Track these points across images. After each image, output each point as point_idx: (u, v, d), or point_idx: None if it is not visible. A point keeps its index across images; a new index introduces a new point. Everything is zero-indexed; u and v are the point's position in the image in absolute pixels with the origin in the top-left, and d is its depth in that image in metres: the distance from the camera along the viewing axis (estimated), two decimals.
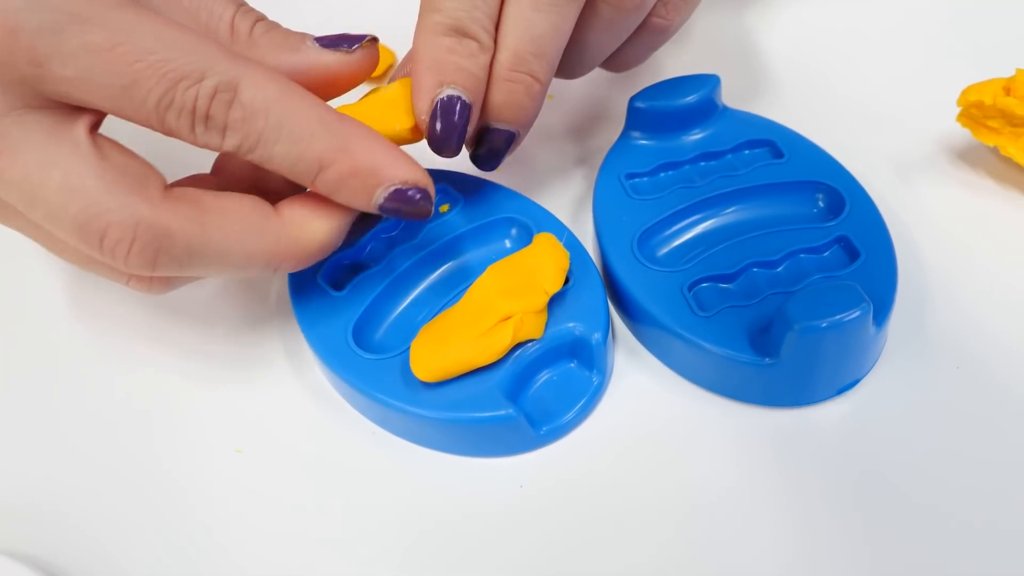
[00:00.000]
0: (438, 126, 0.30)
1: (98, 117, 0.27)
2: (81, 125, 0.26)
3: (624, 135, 0.36)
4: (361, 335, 0.32)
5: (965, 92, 0.35)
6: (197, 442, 0.32)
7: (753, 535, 0.28)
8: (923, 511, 0.28)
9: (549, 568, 0.28)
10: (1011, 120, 0.34)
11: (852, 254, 0.32)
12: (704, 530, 0.29)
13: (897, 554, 0.28)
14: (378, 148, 0.28)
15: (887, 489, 0.29)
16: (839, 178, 0.34)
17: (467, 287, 0.32)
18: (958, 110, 0.36)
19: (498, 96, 0.31)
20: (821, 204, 0.34)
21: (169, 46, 0.26)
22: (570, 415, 0.31)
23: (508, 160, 0.38)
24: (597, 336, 0.31)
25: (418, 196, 0.29)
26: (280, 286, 0.35)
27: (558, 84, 0.41)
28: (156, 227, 0.26)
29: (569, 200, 0.38)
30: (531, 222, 0.34)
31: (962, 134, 0.37)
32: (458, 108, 0.30)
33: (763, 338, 0.29)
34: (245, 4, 0.30)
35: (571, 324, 0.31)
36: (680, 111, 0.35)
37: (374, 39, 0.30)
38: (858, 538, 0.28)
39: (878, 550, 0.28)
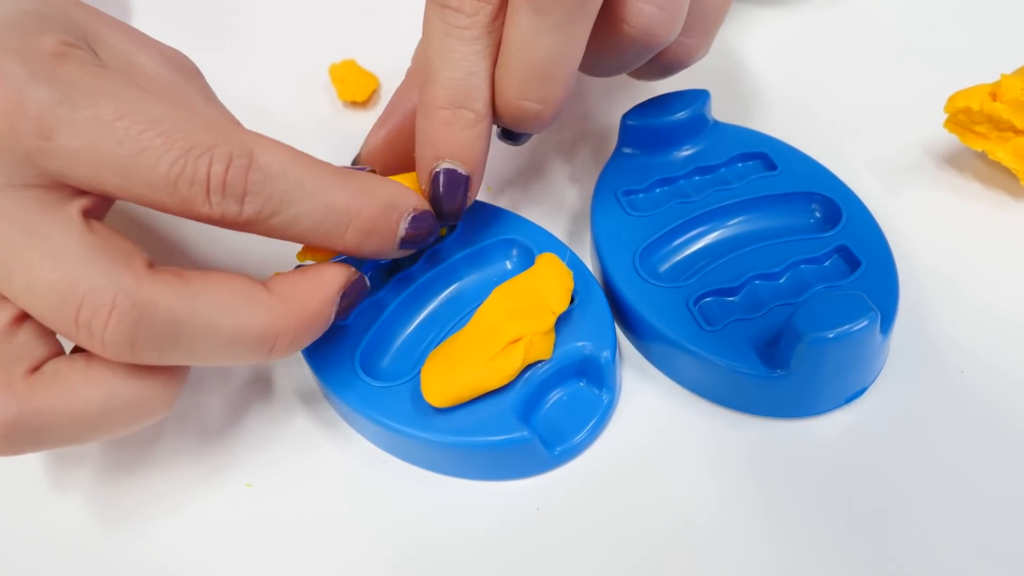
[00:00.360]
0: (439, 197, 0.31)
1: (97, 203, 0.27)
2: (76, 205, 0.26)
3: (617, 152, 0.36)
4: (368, 363, 0.31)
5: (952, 99, 0.35)
6: (206, 478, 0.32)
7: (772, 545, 0.29)
8: (937, 516, 0.29)
9: None
10: (998, 125, 0.35)
11: (852, 263, 0.32)
12: (723, 542, 0.29)
13: (915, 561, 0.28)
14: (388, 184, 0.29)
15: (900, 496, 0.29)
16: (833, 188, 0.34)
17: (472, 310, 0.32)
18: (944, 116, 0.36)
19: (508, 120, 0.31)
20: (817, 215, 0.34)
21: (179, 116, 0.26)
22: (582, 435, 0.31)
23: (502, 175, 0.38)
24: (606, 354, 0.31)
25: (429, 217, 0.30)
26: None
27: None
28: (137, 297, 0.25)
29: (565, 218, 0.38)
30: (531, 243, 0.34)
31: (948, 140, 0.38)
32: (454, 180, 0.31)
33: (772, 350, 0.29)
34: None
35: (579, 343, 0.31)
36: (672, 127, 0.35)
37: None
38: (877, 546, 0.28)
39: (896, 558, 0.28)
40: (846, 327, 0.28)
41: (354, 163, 0.35)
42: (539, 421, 0.31)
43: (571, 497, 0.30)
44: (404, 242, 0.30)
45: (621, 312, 0.33)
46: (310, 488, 0.31)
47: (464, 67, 0.30)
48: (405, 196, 0.29)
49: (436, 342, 0.32)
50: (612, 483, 0.30)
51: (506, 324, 0.30)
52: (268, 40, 0.46)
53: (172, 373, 0.28)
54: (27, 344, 0.26)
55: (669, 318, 0.31)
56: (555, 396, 0.31)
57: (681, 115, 0.35)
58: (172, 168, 0.25)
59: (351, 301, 0.30)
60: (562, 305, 0.30)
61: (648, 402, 0.32)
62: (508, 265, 0.34)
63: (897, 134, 0.39)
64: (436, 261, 0.33)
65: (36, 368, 0.26)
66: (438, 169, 0.30)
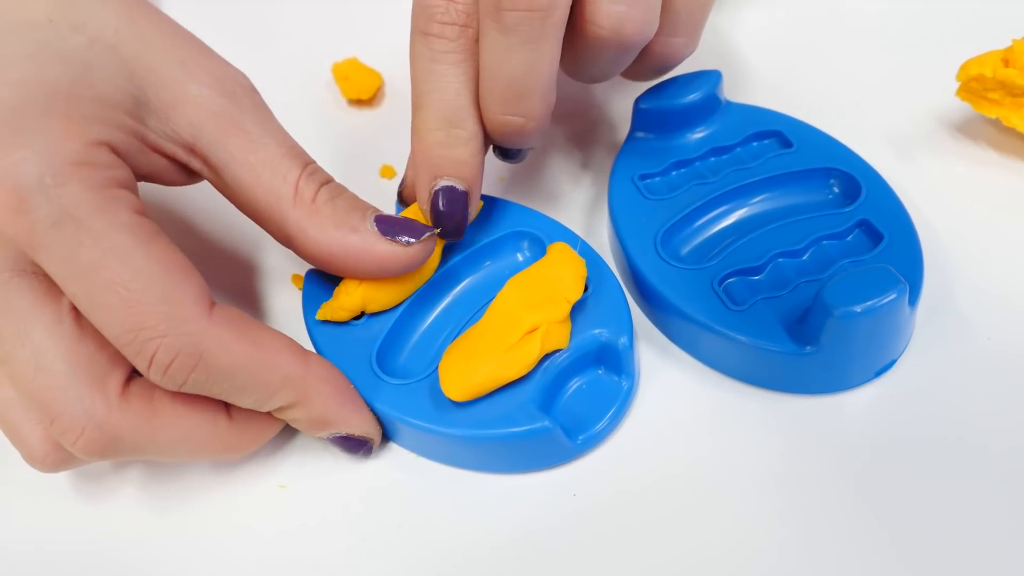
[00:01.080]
0: (439, 215, 0.31)
1: None
2: (66, 302, 0.27)
3: (631, 137, 0.36)
4: (385, 361, 0.31)
5: (964, 66, 0.35)
6: (239, 479, 0.32)
7: (809, 520, 0.29)
8: (971, 483, 0.29)
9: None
10: (1012, 91, 0.35)
11: (875, 237, 0.32)
12: (759, 520, 0.29)
13: (952, 534, 0.28)
14: (334, 403, 0.29)
15: (933, 467, 0.29)
16: (850, 162, 0.34)
17: (485, 303, 0.32)
18: (955, 85, 0.36)
19: (496, 136, 0.32)
20: (836, 190, 0.34)
21: (146, 287, 0.26)
22: (603, 423, 0.31)
23: (515, 167, 0.38)
24: (623, 340, 0.31)
25: (361, 443, 0.31)
26: (296, 319, 0.35)
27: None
28: (105, 428, 0.27)
29: (581, 206, 0.38)
30: (542, 234, 0.34)
31: (960, 108, 0.38)
32: (453, 197, 0.31)
33: (801, 327, 0.29)
34: (312, 163, 0.31)
35: (596, 331, 0.31)
36: (685, 109, 0.35)
37: (434, 234, 0.31)
38: (916, 516, 0.28)
39: (933, 530, 0.28)
40: (875, 300, 0.28)
41: (400, 193, 0.35)
42: (559, 411, 0.31)
43: (600, 484, 0.30)
44: (333, 441, 0.30)
45: (646, 297, 0.33)
46: (343, 489, 0.31)
47: (452, 89, 0.31)
48: (343, 421, 0.30)
49: (452, 337, 0.32)
50: (636, 468, 0.30)
51: (522, 314, 0.30)
52: (268, 40, 0.46)
53: (262, 421, 0.30)
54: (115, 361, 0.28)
55: (695, 300, 0.31)
56: (574, 385, 0.31)
57: (694, 97, 0.35)
58: (122, 336, 0.26)
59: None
60: (576, 293, 0.30)
61: (670, 384, 0.32)
62: (519, 257, 0.34)
63: (909, 105, 0.39)
64: (447, 257, 0.33)
65: (127, 384, 0.28)
66: (437, 187, 0.31)
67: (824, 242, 0.32)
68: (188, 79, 0.29)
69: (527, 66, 0.30)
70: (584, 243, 0.33)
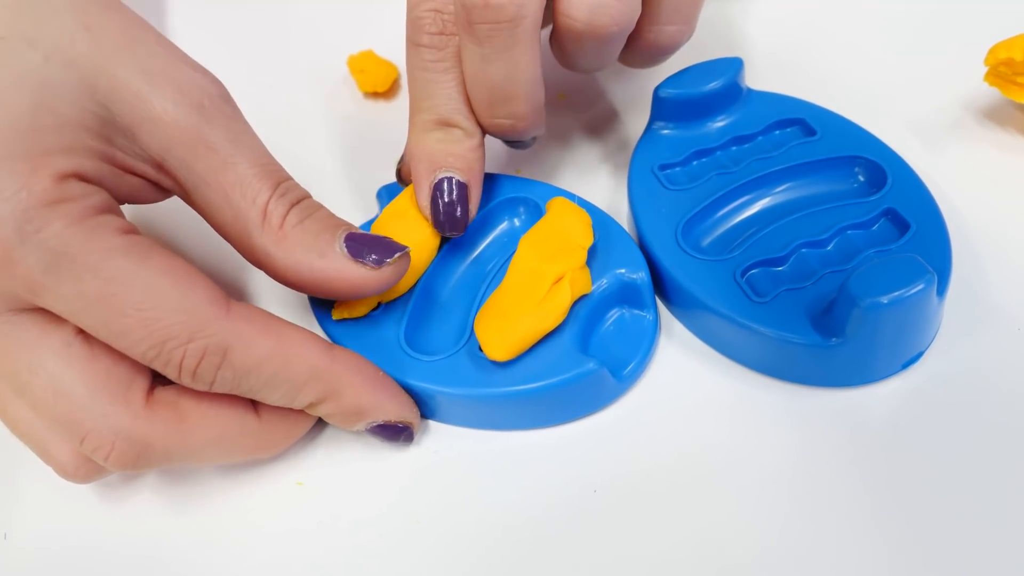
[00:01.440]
0: (440, 208, 0.32)
1: None
2: (71, 326, 0.27)
3: (650, 126, 0.36)
4: (415, 342, 0.32)
5: (993, 50, 0.34)
6: (257, 477, 0.32)
7: (836, 515, 0.28)
8: (1005, 481, 0.28)
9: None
10: None
11: (901, 226, 0.31)
12: (786, 514, 0.28)
13: (983, 533, 0.27)
14: (365, 391, 0.29)
15: (964, 461, 0.29)
16: (875, 150, 0.33)
17: (498, 267, 0.33)
18: (983, 69, 0.36)
19: (493, 135, 0.33)
20: (861, 178, 0.33)
21: (160, 302, 0.26)
22: (640, 355, 0.31)
23: (530, 160, 0.38)
24: (641, 275, 0.32)
25: (401, 430, 0.30)
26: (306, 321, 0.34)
27: (571, 82, 0.41)
28: (135, 438, 0.27)
29: (600, 197, 0.37)
30: (536, 197, 0.34)
31: (988, 93, 0.37)
32: (454, 187, 0.32)
33: (826, 319, 0.29)
34: (286, 181, 0.30)
35: (615, 271, 0.32)
36: (706, 97, 0.35)
37: (405, 255, 0.30)
38: (945, 513, 0.28)
39: (963, 527, 0.27)
40: (902, 291, 0.27)
41: (398, 170, 0.35)
42: (597, 352, 0.31)
43: (621, 476, 0.30)
44: (371, 431, 0.30)
45: (667, 289, 0.33)
46: (361, 485, 0.31)
47: (444, 93, 0.32)
48: (377, 408, 0.29)
49: (474, 306, 0.32)
50: (662, 460, 0.30)
51: (544, 267, 0.30)
52: (284, 35, 0.46)
53: (292, 417, 0.30)
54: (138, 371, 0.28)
55: (717, 292, 0.30)
56: (603, 327, 0.32)
57: (715, 85, 0.34)
58: (147, 352, 0.26)
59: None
60: (589, 239, 0.31)
61: (693, 377, 0.32)
62: (517, 222, 0.35)
63: (935, 91, 0.38)
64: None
65: (150, 392, 0.28)
66: (438, 178, 0.31)
67: (849, 232, 0.32)
68: (153, 93, 0.28)
69: (505, 73, 0.30)
70: (578, 197, 0.34)
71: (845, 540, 0.28)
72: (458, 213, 0.32)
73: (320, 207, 0.30)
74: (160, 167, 0.29)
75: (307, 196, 0.30)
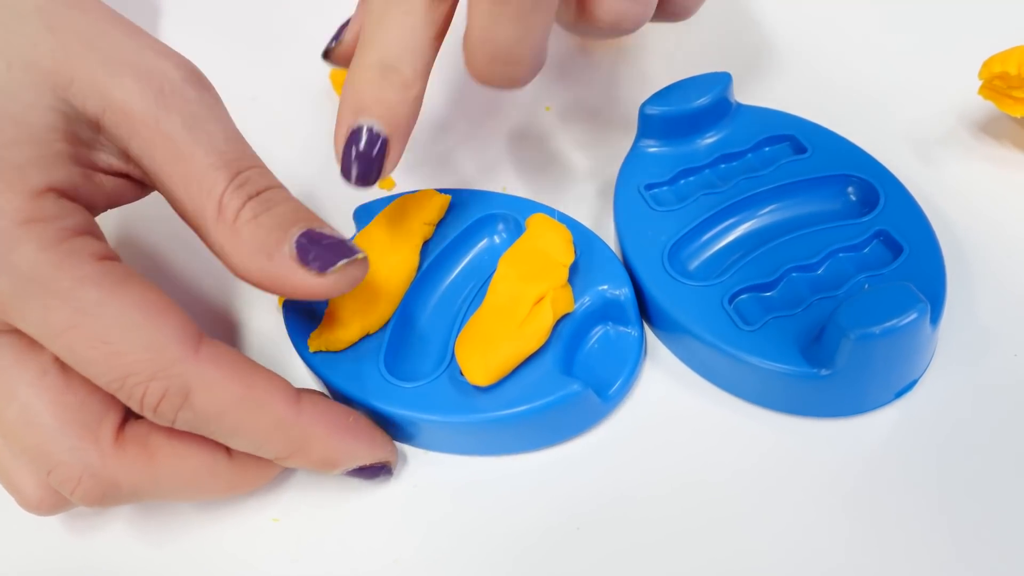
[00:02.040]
0: (351, 157, 0.29)
1: None
2: (49, 352, 0.26)
3: (636, 144, 0.35)
4: (395, 368, 0.31)
5: (987, 64, 0.33)
6: (232, 514, 0.31)
7: (831, 547, 0.27)
8: (1002, 511, 0.27)
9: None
10: None
11: (894, 248, 0.30)
12: (777, 546, 0.28)
13: (980, 565, 0.26)
14: (334, 442, 0.28)
15: (961, 492, 0.28)
16: (868, 168, 0.32)
17: (477, 288, 0.32)
18: (977, 83, 0.35)
19: (480, 84, 0.30)
20: (853, 198, 0.32)
21: (126, 335, 0.25)
22: (625, 374, 0.31)
23: (516, 177, 0.37)
24: (624, 291, 0.31)
25: (379, 469, 0.30)
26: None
27: (556, 97, 0.40)
28: (101, 476, 0.26)
29: (585, 217, 0.36)
30: (515, 212, 0.33)
31: (983, 107, 0.36)
32: (369, 138, 0.29)
33: (816, 348, 0.28)
34: (245, 172, 0.27)
35: (598, 287, 0.31)
36: (694, 113, 0.34)
37: (353, 263, 0.27)
38: (942, 545, 0.27)
39: (960, 559, 0.27)
40: (894, 321, 0.26)
41: (326, 52, 0.35)
42: (580, 373, 0.31)
43: (606, 508, 0.29)
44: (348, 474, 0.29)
45: (653, 315, 0.32)
46: (337, 522, 0.30)
47: (398, 34, 0.29)
48: (349, 457, 0.28)
49: (454, 329, 0.31)
50: (650, 493, 0.29)
51: (525, 287, 0.30)
52: (266, 49, 0.45)
53: (263, 458, 0.28)
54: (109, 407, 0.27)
55: (703, 319, 0.30)
56: (587, 345, 0.31)
57: (703, 100, 0.33)
58: (111, 384, 0.25)
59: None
60: (569, 256, 0.31)
61: (680, 406, 0.31)
62: (496, 240, 0.34)
63: (929, 105, 0.37)
64: (426, 254, 0.33)
65: (121, 428, 0.27)
66: (357, 124, 0.29)
67: (840, 255, 0.31)
68: (112, 82, 0.26)
69: (516, 37, 0.28)
70: (558, 211, 0.33)
71: (837, 573, 0.27)
72: (370, 167, 0.29)
73: (284, 199, 0.28)
74: (129, 158, 0.28)
75: (271, 187, 0.28)
